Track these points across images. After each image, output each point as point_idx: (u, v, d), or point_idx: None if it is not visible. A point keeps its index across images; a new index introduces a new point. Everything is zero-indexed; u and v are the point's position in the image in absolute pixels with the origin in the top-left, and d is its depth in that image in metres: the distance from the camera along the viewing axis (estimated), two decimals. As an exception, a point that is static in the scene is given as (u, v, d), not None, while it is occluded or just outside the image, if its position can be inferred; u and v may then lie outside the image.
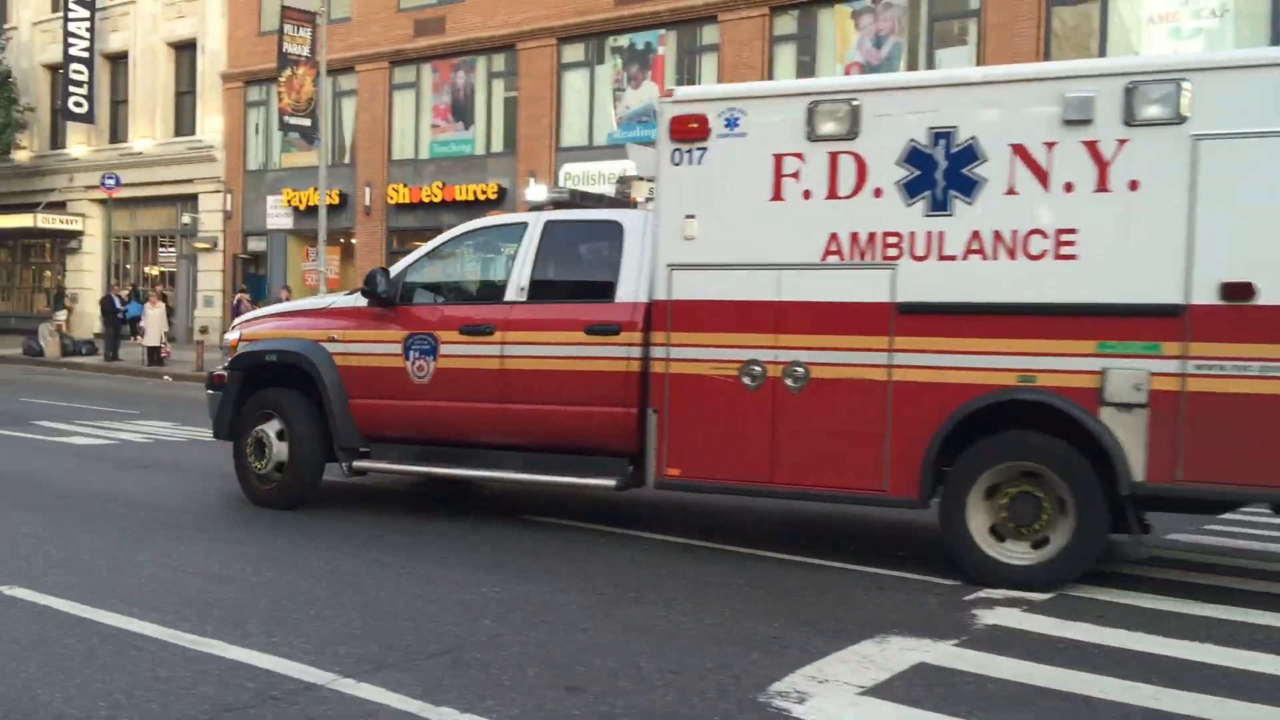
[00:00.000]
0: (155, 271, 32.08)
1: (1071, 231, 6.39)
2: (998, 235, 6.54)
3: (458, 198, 25.60)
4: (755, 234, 7.11)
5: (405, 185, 26.66)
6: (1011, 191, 6.52)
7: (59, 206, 33.27)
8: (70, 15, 32.05)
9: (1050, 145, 6.44)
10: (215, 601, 5.82)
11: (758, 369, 7.07)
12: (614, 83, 23.83)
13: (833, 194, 6.91)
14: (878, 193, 6.80)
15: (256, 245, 29.90)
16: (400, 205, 26.84)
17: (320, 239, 22.79)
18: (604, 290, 7.74)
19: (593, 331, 7.65)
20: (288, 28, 22.78)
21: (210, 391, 9.20)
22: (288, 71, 22.81)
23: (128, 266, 32.45)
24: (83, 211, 33.11)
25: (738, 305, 7.15)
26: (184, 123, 31.58)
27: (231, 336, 9.38)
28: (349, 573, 6.58)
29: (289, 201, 28.65)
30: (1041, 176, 6.47)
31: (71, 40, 32.00)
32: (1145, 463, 6.22)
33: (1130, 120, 6.29)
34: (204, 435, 12.36)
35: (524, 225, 8.22)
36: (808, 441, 6.95)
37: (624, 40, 23.61)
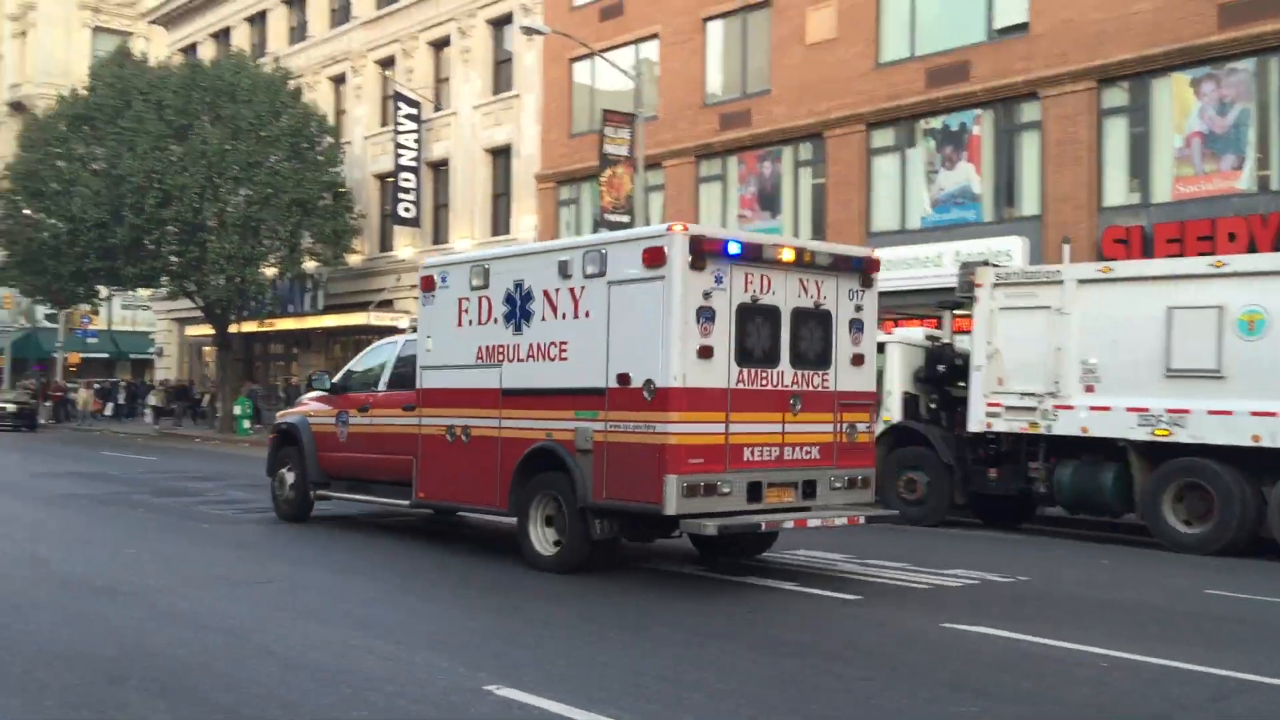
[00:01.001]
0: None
1: (565, 344, 10.24)
2: (539, 346, 10.48)
3: (766, 285, 25.82)
4: (451, 347, 11.45)
5: (713, 275, 27.16)
6: (544, 319, 10.44)
7: (387, 304, 35.93)
8: (399, 129, 34.89)
9: (556, 290, 10.32)
10: (699, 709, 5.90)
11: (454, 430, 11.26)
12: (926, 165, 23.57)
13: (480, 322, 11.14)
14: (496, 321, 10.95)
15: (568, 336, 31.18)
16: (708, 294, 27.34)
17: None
18: (414, 382, 11.97)
19: (406, 409, 12.05)
20: (608, 130, 23.88)
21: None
22: (608, 171, 23.87)
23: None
24: (408, 309, 35.55)
25: (445, 391, 11.49)
26: (499, 222, 33.58)
27: (278, 414, 15.34)
28: (812, 685, 6.54)
29: (599, 294, 29.75)
30: (554, 309, 10.34)
31: (400, 151, 34.79)
32: (592, 488, 9.76)
33: (586, 274, 10.04)
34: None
35: (395, 343, 13.48)
36: (472, 475, 10.98)
37: (936, 122, 23.35)
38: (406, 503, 11.87)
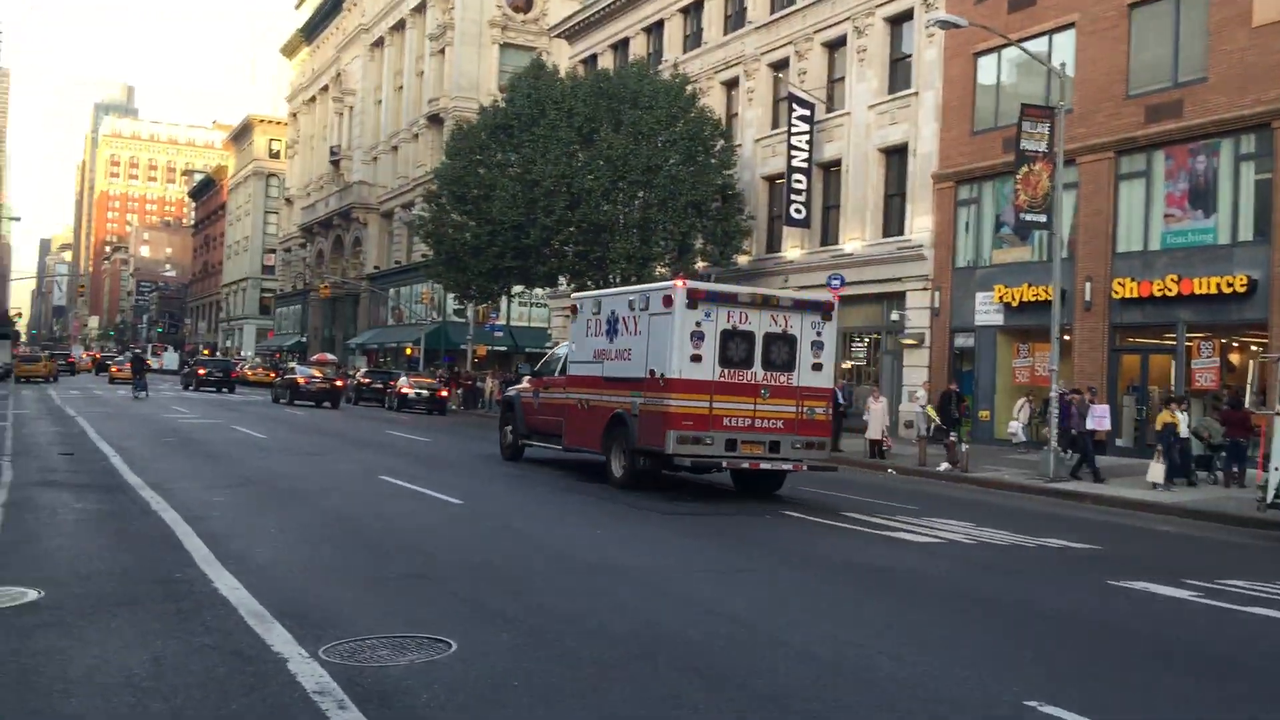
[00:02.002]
0: (847, 365, 33.60)
1: (630, 350, 16.11)
2: (619, 351, 16.41)
3: (1197, 291, 23.76)
4: (582, 350, 17.60)
5: (1132, 279, 25.33)
6: (622, 334, 16.33)
7: (774, 304, 36.12)
8: (792, 130, 35.10)
9: (627, 317, 16.28)
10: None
11: (582, 402, 17.33)
12: (1404, 157, 20.76)
13: (596, 334, 17.14)
14: (602, 335, 16.89)
15: (964, 341, 30.17)
16: (1126, 300, 25.54)
17: (1053, 335, 22.34)
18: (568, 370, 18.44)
19: (564, 388, 18.07)
20: (1026, 125, 22.72)
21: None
22: (1024, 168, 22.71)
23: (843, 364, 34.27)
24: (794, 309, 35.65)
25: (578, 378, 17.59)
26: (892, 224, 33.00)
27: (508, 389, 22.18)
28: None
29: (1000, 298, 28.56)
30: (627, 329, 16.24)
31: (793, 153, 34.98)
32: (636, 438, 15.48)
33: (639, 308, 15.99)
34: (1005, 539, 12.18)
35: (566, 347, 18.92)
36: (588, 430, 16.99)
37: None
38: (560, 448, 18.18)
